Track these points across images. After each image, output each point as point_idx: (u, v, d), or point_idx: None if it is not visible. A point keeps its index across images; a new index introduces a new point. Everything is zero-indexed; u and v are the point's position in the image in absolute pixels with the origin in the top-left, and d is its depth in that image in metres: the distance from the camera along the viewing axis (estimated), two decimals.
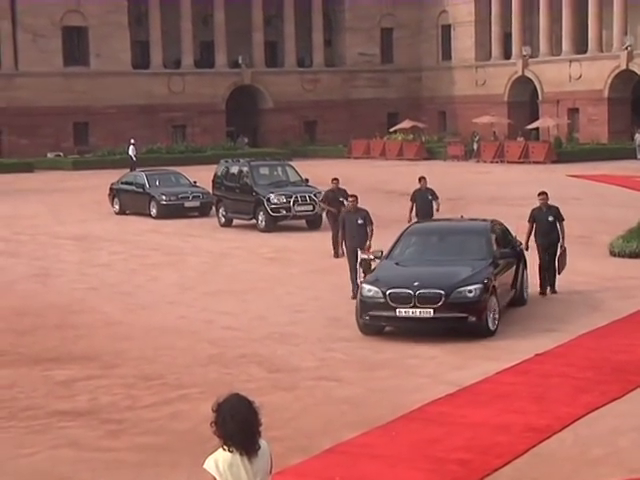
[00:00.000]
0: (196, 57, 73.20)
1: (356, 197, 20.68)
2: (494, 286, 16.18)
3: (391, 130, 70.04)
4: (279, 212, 31.33)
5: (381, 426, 11.74)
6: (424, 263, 16.96)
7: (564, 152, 58.91)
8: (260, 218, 31.53)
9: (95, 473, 10.51)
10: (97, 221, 34.85)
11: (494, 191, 41.84)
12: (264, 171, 33.58)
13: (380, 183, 46.52)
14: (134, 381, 13.99)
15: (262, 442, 6.41)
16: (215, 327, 17.37)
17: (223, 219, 33.10)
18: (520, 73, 70.22)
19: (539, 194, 19.82)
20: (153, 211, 35.76)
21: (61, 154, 65.82)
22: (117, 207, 37.41)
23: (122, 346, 16.04)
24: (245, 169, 32.98)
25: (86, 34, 68.97)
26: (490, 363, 14.42)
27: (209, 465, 6.26)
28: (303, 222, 31.95)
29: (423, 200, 25.60)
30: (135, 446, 11.31)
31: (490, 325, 15.98)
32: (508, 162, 59.30)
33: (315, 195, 31.76)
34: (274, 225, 31.25)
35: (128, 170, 47.06)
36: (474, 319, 15.65)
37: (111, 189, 38.26)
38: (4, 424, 12.22)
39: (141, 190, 36.56)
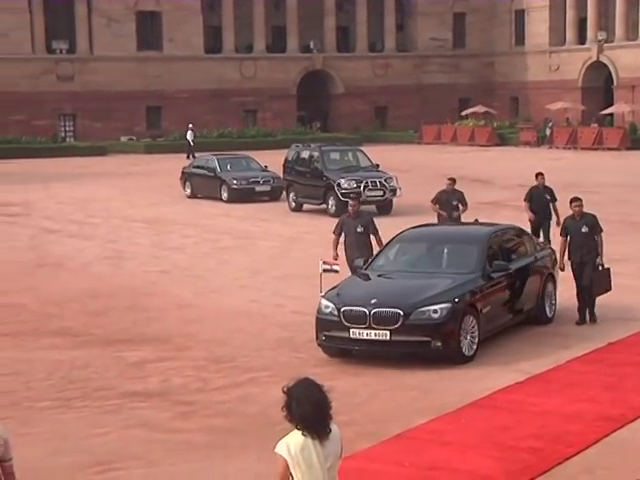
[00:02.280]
0: (268, 42, 73.32)
1: (358, 201, 18.62)
2: (474, 305, 14.01)
3: (463, 114, 69.57)
4: (349, 197, 31.18)
5: (450, 413, 11.71)
6: (400, 276, 14.89)
7: (639, 138, 58.04)
8: (330, 203, 31.54)
9: (166, 454, 10.62)
10: (169, 205, 35.14)
11: (568, 177, 41.30)
12: (335, 156, 33.59)
13: (451, 169, 46.11)
14: (205, 363, 14.11)
15: (333, 426, 6.42)
16: (285, 311, 17.43)
17: (293, 204, 33.18)
18: (595, 58, 69.22)
19: (571, 201, 16.53)
20: (224, 195, 35.96)
21: (134, 138, 66.45)
22: (189, 191, 37.68)
23: (193, 329, 16.18)
24: (316, 154, 33.03)
25: (160, 19, 69.48)
26: (561, 351, 14.30)
27: (281, 449, 6.29)
28: (373, 207, 31.86)
29: (540, 200, 21.93)
30: (205, 428, 11.41)
31: (465, 350, 13.76)
32: (581, 148, 58.60)
33: (386, 180, 31.72)
34: (344, 210, 31.11)
35: (197, 154, 47.34)
36: (439, 344, 13.44)
37: (183, 173, 38.54)
38: (78, 404, 12.41)
39: (212, 174, 36.78)
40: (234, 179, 35.88)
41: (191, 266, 22.62)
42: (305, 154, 33.68)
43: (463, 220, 21.18)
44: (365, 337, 13.59)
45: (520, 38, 75.17)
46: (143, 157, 58.59)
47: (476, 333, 13.96)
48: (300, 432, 6.28)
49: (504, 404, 11.98)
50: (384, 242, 16.93)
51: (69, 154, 58.85)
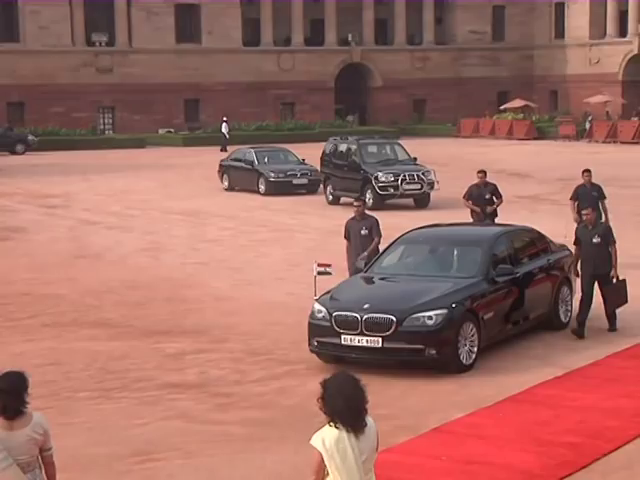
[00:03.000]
0: (306, 35, 73.31)
1: (363, 201, 17.55)
2: (474, 311, 13.33)
3: (501, 109, 69.26)
4: (387, 190, 31.32)
5: (488, 407, 11.68)
6: (399, 279, 14.26)
7: None
8: (368, 196, 31.49)
9: (204, 445, 10.68)
10: (207, 197, 35.25)
11: (607, 172, 40.96)
12: (372, 149, 33.59)
13: (489, 162, 45.92)
14: (242, 356, 14.16)
15: (369, 420, 6.43)
16: None
17: (331, 197, 33.19)
18: (636, 51, 68.63)
19: (583, 209, 15.76)
20: (262, 188, 36.04)
21: (172, 130, 66.72)
22: (226, 183, 37.79)
23: (231, 321, 16.24)
24: (354, 147, 33.04)
25: (198, 11, 69.66)
26: (601, 346, 14.21)
27: (316, 441, 6.30)
28: (411, 201, 31.84)
29: (587, 198, 20.30)
30: (243, 420, 11.46)
31: (463, 359, 13.09)
32: (621, 142, 58.15)
33: (423, 174, 31.67)
34: (381, 203, 31.20)
35: (235, 147, 47.46)
36: (433, 352, 12.78)
37: (221, 165, 38.65)
38: (117, 394, 12.50)
39: (250, 167, 36.87)
40: (272, 172, 35.95)
41: (228, 258, 22.69)
42: (343, 147, 33.70)
43: (499, 213, 20.71)
44: (357, 344, 12.95)
45: (560, 31, 74.68)
46: (181, 150, 58.81)
47: (476, 341, 13.26)
48: (335, 425, 6.28)
49: (542, 399, 11.93)
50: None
51: (108, 146, 59.23)
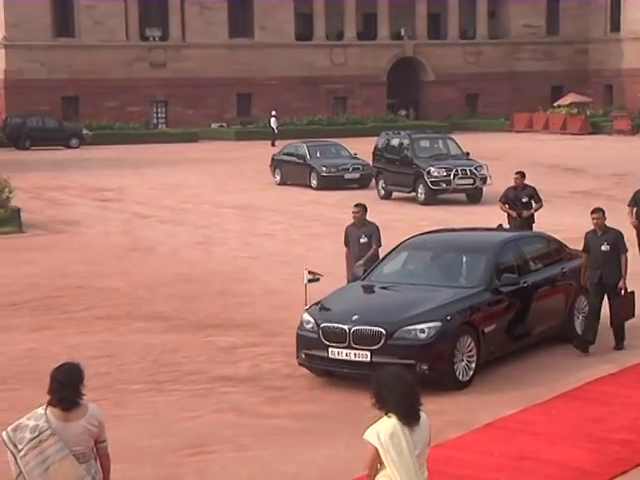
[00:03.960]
0: (359, 29, 73.24)
1: (363, 207, 15.91)
2: (473, 323, 12.48)
3: (555, 104, 68.71)
4: (439, 185, 31.22)
5: (541, 403, 11.63)
6: (396, 289, 13.44)
7: None
8: (420, 191, 31.48)
9: (256, 438, 10.74)
10: (258, 191, 35.37)
11: None
12: (425, 144, 33.49)
13: (542, 157, 45.71)
14: (294, 350, 14.16)
15: (422, 414, 6.46)
16: None
17: (383, 191, 33.15)
18: None
19: (592, 212, 14.18)
20: (313, 182, 36.08)
21: (224, 125, 66.97)
22: (278, 178, 37.88)
23: (282, 315, 16.27)
24: (406, 142, 32.98)
25: (251, 6, 69.83)
26: None
27: (370, 436, 6.33)
28: (463, 196, 31.73)
29: None
30: (295, 413, 11.50)
31: (460, 375, 12.24)
32: None
33: (476, 169, 31.55)
34: (434, 198, 31.14)
35: (289, 142, 47.53)
36: (425, 368, 11.90)
37: (273, 160, 38.76)
38: (169, 387, 12.61)
39: (302, 161, 36.93)
40: (324, 166, 35.98)
41: (280, 252, 22.75)
42: (395, 142, 33.66)
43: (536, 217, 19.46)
44: (344, 357, 12.19)
45: (615, 24, 73.87)
46: (233, 144, 59.02)
47: (474, 356, 12.34)
48: (390, 419, 6.31)
49: (596, 395, 11.85)
50: None
51: (161, 140, 59.60)
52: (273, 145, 52.89)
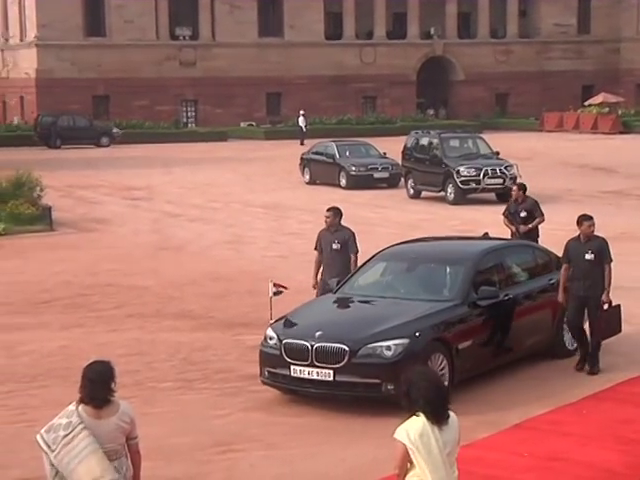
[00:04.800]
0: (388, 28, 73.19)
1: (336, 210, 14.74)
2: (445, 340, 11.64)
3: (586, 104, 68.35)
4: (469, 185, 31.14)
5: (571, 404, 11.58)
6: (366, 302, 12.61)
7: None
8: (449, 190, 31.42)
9: (285, 437, 10.75)
10: (288, 190, 35.40)
11: None
12: (454, 143, 33.44)
13: (572, 157, 45.52)
14: None
15: (451, 413, 6.47)
16: None
17: (412, 190, 33.12)
18: None
19: (584, 220, 13.07)
20: (342, 181, 36.09)
21: (254, 124, 67.09)
22: (307, 177, 37.91)
23: None
24: (435, 141, 32.92)
25: (281, 5, 69.92)
26: None
27: (400, 434, 6.34)
28: (493, 195, 31.64)
29: None
30: (324, 412, 11.49)
31: None
32: None
33: (506, 168, 31.46)
34: (463, 198, 31.07)
35: (318, 141, 47.58)
36: (391, 387, 10.97)
37: (302, 159, 38.79)
38: (198, 385, 12.65)
39: (331, 160, 36.94)
40: (353, 165, 35.98)
41: (309, 251, 22.59)
42: (424, 141, 33.61)
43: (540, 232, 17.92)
44: (307, 376, 11.44)
45: None
46: (262, 143, 59.12)
47: (447, 374, 11.41)
48: (419, 418, 6.32)
49: (627, 397, 11.79)
50: None
51: (190, 139, 59.80)
52: (302, 144, 52.94)
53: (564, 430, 10.65)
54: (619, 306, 13.10)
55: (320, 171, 37.37)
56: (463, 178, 31.00)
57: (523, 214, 17.69)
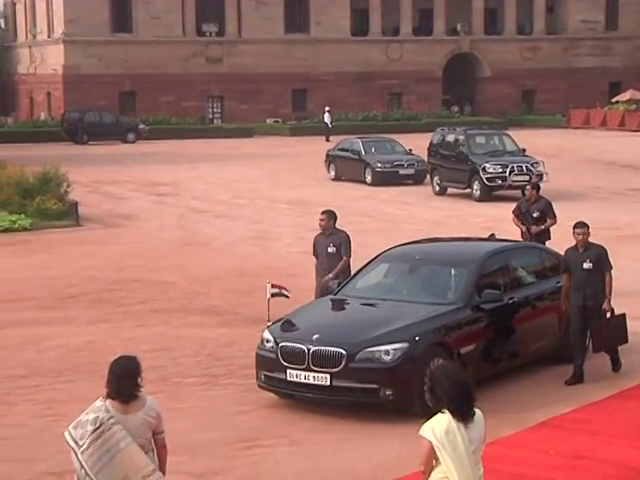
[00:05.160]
0: (415, 24, 73.03)
1: (331, 214, 14.42)
2: (447, 344, 11.32)
3: (613, 100, 67.98)
4: (494, 182, 31.06)
5: (596, 402, 11.54)
6: (366, 305, 12.23)
7: None
8: (475, 187, 31.34)
9: (309, 433, 10.76)
10: (313, 186, 35.41)
11: None
12: (480, 140, 33.36)
13: (599, 154, 45.29)
14: None
15: (477, 411, 6.45)
16: None
17: (437, 187, 33.07)
18: None
19: (576, 227, 12.70)
20: (368, 178, 36.06)
21: (279, 120, 67.12)
22: (333, 173, 37.91)
23: None
24: (461, 138, 32.85)
25: (307, 2, 69.90)
26: None
27: (426, 431, 6.34)
28: (519, 192, 31.49)
29: None
30: (348, 409, 11.47)
31: (430, 401, 10.79)
32: None
33: (532, 165, 31.38)
34: (489, 195, 30.98)
35: (343, 137, 47.55)
36: (390, 393, 10.85)
37: (327, 155, 38.80)
38: (224, 381, 12.67)
39: (357, 157, 36.93)
40: (378, 162, 35.95)
41: None
42: (450, 138, 33.54)
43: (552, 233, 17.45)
44: (303, 380, 11.14)
45: None
46: (288, 139, 59.16)
47: None
48: (445, 415, 6.31)
49: None
50: None
51: (216, 135, 59.90)
52: (327, 140, 52.94)
53: (590, 428, 10.61)
54: (624, 315, 12.68)
55: (346, 167, 37.36)
56: (489, 175, 30.92)
57: (536, 214, 17.16)
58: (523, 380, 12.47)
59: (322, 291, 13.73)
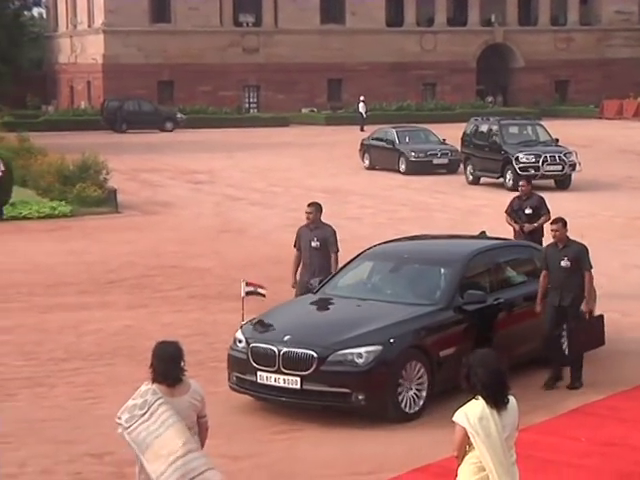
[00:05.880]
0: (449, 15, 72.73)
1: (318, 206, 13.69)
2: (424, 347, 10.70)
3: None
4: (527, 171, 30.80)
5: (629, 390, 11.48)
6: (343, 305, 11.62)
7: None
8: (508, 177, 31.21)
9: (344, 418, 10.73)
10: (348, 175, 35.37)
11: None
12: (514, 130, 33.25)
13: (632, 144, 44.91)
14: None
15: (511, 398, 6.43)
16: None
17: (471, 177, 32.95)
18: None
19: (551, 223, 12.06)
20: (402, 167, 35.98)
21: (315, 109, 67.09)
22: (367, 162, 37.86)
23: None
24: (495, 127, 32.75)
25: None
26: None
27: (459, 417, 6.33)
28: (551, 182, 31.36)
29: None
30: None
31: (405, 407, 10.49)
32: None
33: (565, 155, 31.23)
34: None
35: (378, 127, 47.45)
36: (362, 397, 10.29)
37: (362, 144, 38.74)
38: None
39: (391, 146, 36.85)
40: (412, 151, 35.86)
41: (368, 236, 22.65)
42: (484, 127, 33.46)
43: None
44: (273, 383, 10.62)
45: None
46: (323, 128, 59.09)
47: (425, 384, 10.57)
48: (479, 401, 6.30)
49: None
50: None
51: (252, 124, 59.97)
52: (362, 130, 52.83)
53: (621, 416, 10.56)
54: (602, 316, 12.12)
55: (380, 156, 37.30)
56: (522, 164, 30.77)
57: (528, 211, 15.97)
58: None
59: (302, 289, 13.04)
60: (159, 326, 14.37)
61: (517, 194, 16.57)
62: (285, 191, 31.03)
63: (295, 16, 68.34)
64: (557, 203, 27.68)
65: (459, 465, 6.43)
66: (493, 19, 72.59)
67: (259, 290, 12.50)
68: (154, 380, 6.81)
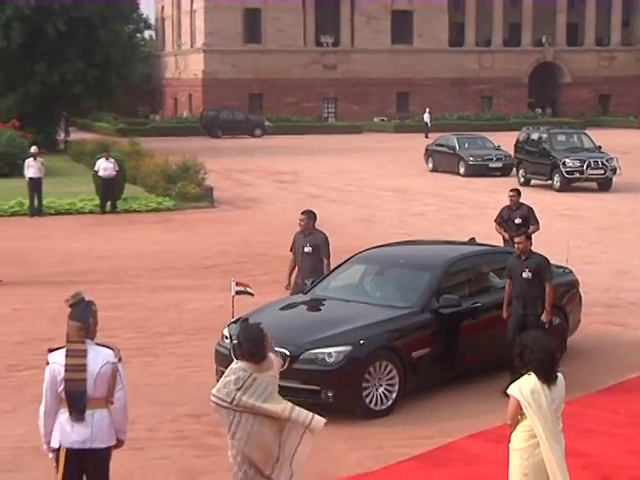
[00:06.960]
0: (505, 36, 71.97)
1: (312, 214, 12.67)
2: (395, 348, 9.98)
3: None
4: (573, 175, 30.63)
5: None
6: (324, 306, 11.05)
7: None
8: (555, 179, 30.91)
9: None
10: (413, 177, 35.21)
11: None
12: (561, 138, 32.91)
13: None
14: None
15: (559, 374, 6.38)
16: None
17: (522, 179, 32.63)
18: None
19: (516, 236, 11.11)
20: (461, 170, 35.74)
21: (385, 119, 66.91)
22: (431, 165, 37.67)
23: None
24: (544, 136, 32.49)
25: (411, 16, 69.43)
26: None
27: (513, 390, 6.29)
28: (594, 184, 30.93)
29: None
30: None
31: (373, 404, 9.81)
32: None
33: (607, 160, 30.87)
34: (568, 186, 30.51)
35: (440, 134, 47.17)
36: (330, 395, 9.62)
37: (426, 150, 38.55)
38: None
39: (452, 151, 36.62)
40: (471, 156, 35.62)
41: (432, 230, 22.59)
42: (534, 135, 33.16)
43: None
44: None
45: None
46: (392, 136, 58.91)
47: (396, 384, 9.90)
48: (531, 377, 6.25)
49: None
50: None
51: (330, 132, 60.01)
52: (427, 137, 52.55)
53: None
54: (561, 324, 11.29)
55: (442, 160, 37.09)
56: (568, 169, 30.46)
57: (518, 221, 14.70)
58: (593, 348, 12.21)
59: (295, 290, 12.42)
60: (247, 307, 14.40)
61: (506, 204, 15.20)
62: (358, 190, 30.98)
63: (369, 37, 68.20)
64: (600, 204, 27.34)
65: (511, 432, 6.38)
66: (544, 40, 71.69)
67: (248, 290, 11.77)
68: (242, 358, 6.78)
